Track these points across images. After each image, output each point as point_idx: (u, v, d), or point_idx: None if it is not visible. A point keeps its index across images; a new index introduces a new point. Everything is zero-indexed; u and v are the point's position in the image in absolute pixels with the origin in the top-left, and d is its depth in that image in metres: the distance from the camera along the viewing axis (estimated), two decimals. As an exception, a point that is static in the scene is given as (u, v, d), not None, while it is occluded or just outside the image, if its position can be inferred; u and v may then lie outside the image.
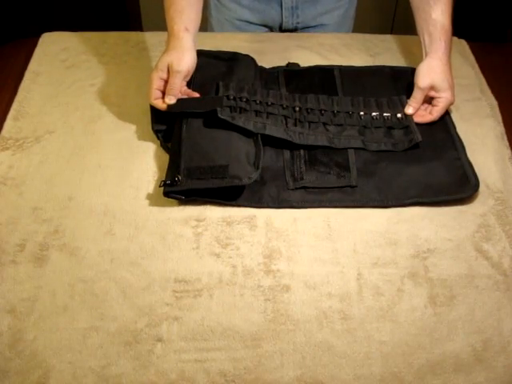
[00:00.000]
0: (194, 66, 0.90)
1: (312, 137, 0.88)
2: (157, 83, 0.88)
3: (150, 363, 0.65)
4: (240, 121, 0.85)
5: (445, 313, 0.70)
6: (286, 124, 0.89)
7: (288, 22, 1.18)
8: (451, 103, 0.93)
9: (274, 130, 0.87)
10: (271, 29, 1.21)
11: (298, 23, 1.19)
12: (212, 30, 1.25)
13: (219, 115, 0.84)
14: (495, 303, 0.71)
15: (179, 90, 0.88)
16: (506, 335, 0.68)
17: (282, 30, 1.20)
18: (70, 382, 0.64)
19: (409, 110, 0.92)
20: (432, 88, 0.92)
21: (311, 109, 0.91)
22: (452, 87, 0.92)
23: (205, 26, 1.25)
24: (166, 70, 0.88)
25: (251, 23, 1.20)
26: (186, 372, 0.65)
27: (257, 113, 0.88)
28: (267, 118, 0.88)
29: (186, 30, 0.89)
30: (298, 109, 0.91)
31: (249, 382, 0.64)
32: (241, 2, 1.17)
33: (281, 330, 0.68)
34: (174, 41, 0.88)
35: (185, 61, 0.87)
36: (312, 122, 0.90)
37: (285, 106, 0.91)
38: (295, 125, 0.89)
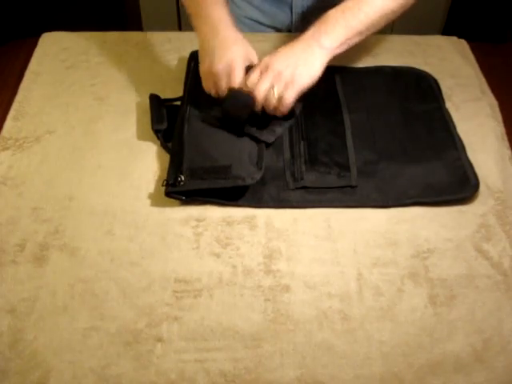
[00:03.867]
0: None
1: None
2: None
3: (150, 363, 0.65)
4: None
5: (445, 313, 0.70)
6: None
7: (298, 27, 1.17)
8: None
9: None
10: (280, 32, 1.20)
11: (307, 29, 1.18)
12: None
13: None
14: (495, 303, 0.71)
15: None
16: (506, 335, 0.68)
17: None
18: (69, 382, 0.64)
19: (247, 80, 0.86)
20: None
21: None
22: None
23: None
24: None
25: (261, 24, 1.19)
26: (186, 372, 0.65)
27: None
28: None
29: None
30: None
31: (249, 381, 0.64)
32: (252, 2, 1.16)
33: (281, 329, 0.68)
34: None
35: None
36: None
37: None
38: None
